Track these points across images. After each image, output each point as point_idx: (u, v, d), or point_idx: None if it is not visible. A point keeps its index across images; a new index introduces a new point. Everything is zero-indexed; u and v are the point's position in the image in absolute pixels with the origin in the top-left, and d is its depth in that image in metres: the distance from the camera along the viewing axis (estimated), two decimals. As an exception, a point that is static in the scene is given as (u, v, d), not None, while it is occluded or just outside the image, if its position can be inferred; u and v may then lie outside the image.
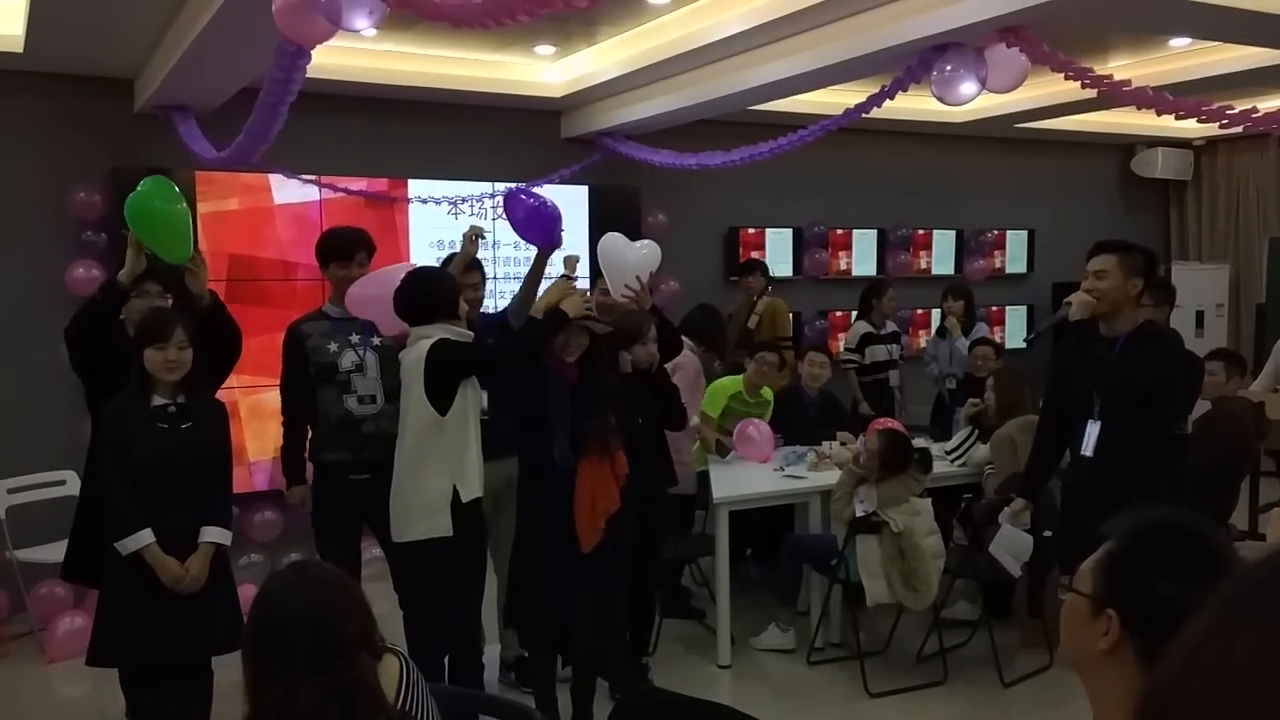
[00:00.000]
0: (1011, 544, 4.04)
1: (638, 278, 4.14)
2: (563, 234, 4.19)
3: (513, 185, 5.98)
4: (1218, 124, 3.82)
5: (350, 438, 3.71)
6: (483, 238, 4.07)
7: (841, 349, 6.84)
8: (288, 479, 3.89)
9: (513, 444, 3.67)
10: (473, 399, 3.42)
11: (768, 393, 5.56)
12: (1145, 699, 0.55)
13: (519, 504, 3.67)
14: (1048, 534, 4.27)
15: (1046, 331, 3.76)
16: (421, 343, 3.32)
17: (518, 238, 4.49)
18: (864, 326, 6.58)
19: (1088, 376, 3.50)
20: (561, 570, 3.54)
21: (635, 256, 4.28)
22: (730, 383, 5.52)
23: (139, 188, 3.45)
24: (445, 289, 3.48)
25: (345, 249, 3.77)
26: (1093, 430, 3.49)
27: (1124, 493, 3.22)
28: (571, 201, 6.36)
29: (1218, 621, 0.50)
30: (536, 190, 4.63)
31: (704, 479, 4.89)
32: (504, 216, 4.43)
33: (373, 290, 3.68)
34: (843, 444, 5.27)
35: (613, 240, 4.35)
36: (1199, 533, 1.32)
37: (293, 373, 3.78)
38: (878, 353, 6.51)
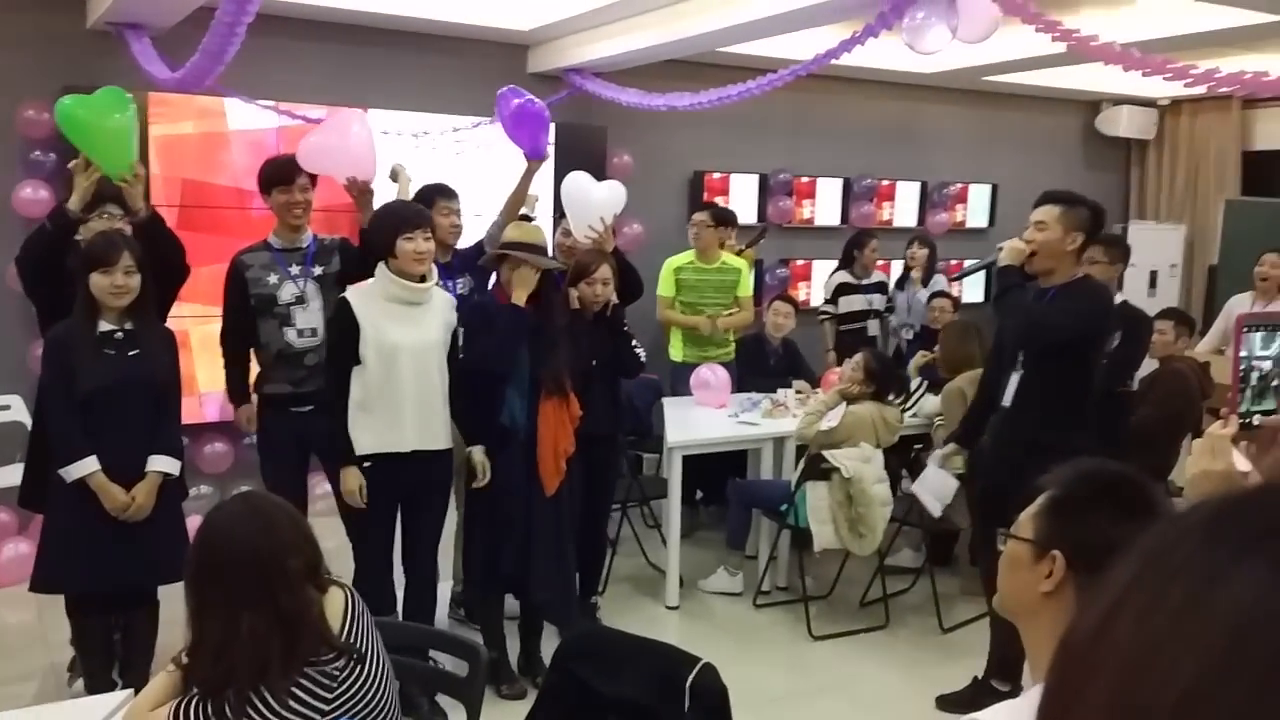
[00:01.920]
0: (936, 486, 4.15)
1: (601, 219, 4.12)
2: (548, 147, 4.15)
3: (477, 119, 5.91)
4: (1182, 83, 3.83)
5: (291, 370, 3.68)
6: (403, 169, 4.13)
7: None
8: (233, 403, 3.88)
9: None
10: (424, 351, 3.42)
11: (731, 260, 5.63)
12: (1064, 645, 0.55)
13: (469, 472, 3.67)
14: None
15: (974, 273, 3.75)
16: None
17: (479, 174, 4.45)
18: (842, 277, 6.60)
19: (1001, 314, 3.49)
20: (516, 521, 3.57)
21: (599, 197, 4.27)
22: (676, 259, 5.57)
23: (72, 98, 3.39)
24: (374, 234, 3.47)
25: (285, 173, 3.70)
26: (1013, 380, 3.49)
27: (1039, 448, 3.26)
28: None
29: (1141, 573, 0.51)
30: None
31: (680, 373, 5.01)
32: (463, 152, 4.40)
33: (320, 140, 3.78)
34: (798, 393, 5.32)
35: (577, 180, 4.32)
36: (1134, 479, 1.40)
37: (234, 303, 3.74)
38: (854, 302, 6.53)
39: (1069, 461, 1.46)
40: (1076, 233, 3.37)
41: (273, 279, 3.68)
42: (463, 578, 4.14)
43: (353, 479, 3.35)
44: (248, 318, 3.69)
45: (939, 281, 6.66)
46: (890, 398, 4.65)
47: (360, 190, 3.81)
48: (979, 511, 3.83)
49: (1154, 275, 8.69)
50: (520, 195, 4.16)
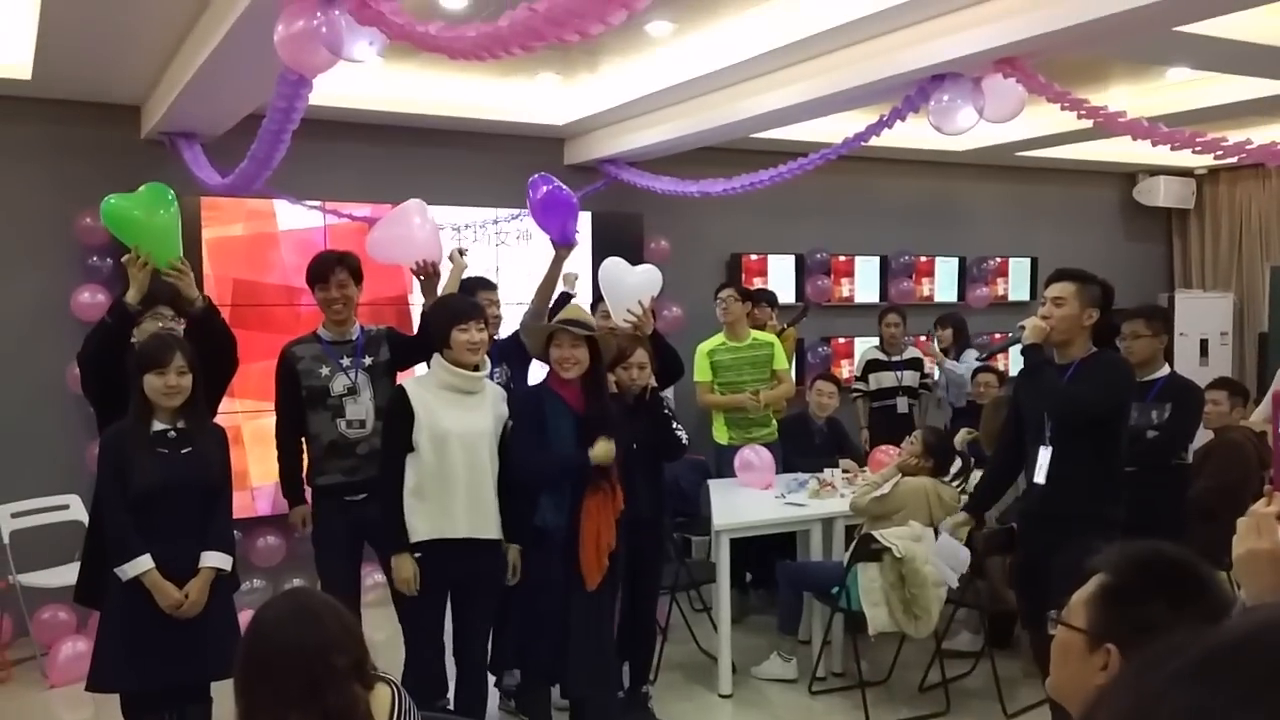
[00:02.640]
0: (949, 555, 4.08)
1: (639, 302, 4.17)
2: (576, 234, 4.23)
3: (516, 211, 6.04)
4: (1213, 156, 3.83)
5: (344, 460, 3.73)
6: (464, 253, 4.23)
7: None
8: (288, 500, 3.91)
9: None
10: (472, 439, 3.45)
11: (761, 335, 5.65)
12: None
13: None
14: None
15: (999, 352, 3.77)
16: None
17: (519, 264, 4.54)
18: (872, 353, 6.60)
19: (1038, 400, 3.51)
20: (556, 617, 3.55)
21: (635, 280, 4.33)
22: (706, 343, 5.60)
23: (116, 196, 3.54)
24: (431, 325, 3.55)
25: (321, 271, 3.80)
26: (1044, 456, 3.50)
27: (1075, 521, 3.26)
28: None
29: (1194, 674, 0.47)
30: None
31: (725, 455, 4.96)
32: (504, 243, 4.50)
33: (387, 231, 4.04)
34: (845, 472, 5.28)
35: (613, 265, 4.39)
36: (1190, 564, 1.33)
37: (286, 395, 3.80)
38: (883, 379, 6.52)
39: (1117, 541, 1.42)
40: (1092, 309, 3.45)
41: (325, 371, 3.76)
42: (513, 668, 4.10)
43: (407, 566, 3.37)
44: (298, 408, 3.76)
45: (969, 356, 6.60)
46: (946, 478, 4.61)
47: (429, 274, 3.96)
48: (1019, 587, 3.78)
49: (1204, 344, 8.58)
50: (550, 282, 4.23)
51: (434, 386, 3.44)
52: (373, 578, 4.03)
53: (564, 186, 4.23)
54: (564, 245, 4.18)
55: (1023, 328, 3.51)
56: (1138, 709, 0.46)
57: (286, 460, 3.86)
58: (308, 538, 3.90)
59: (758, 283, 7.02)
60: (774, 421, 5.69)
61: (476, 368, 3.47)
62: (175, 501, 3.13)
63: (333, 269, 3.78)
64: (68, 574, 4.82)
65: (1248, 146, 3.74)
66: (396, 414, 3.40)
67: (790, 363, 5.96)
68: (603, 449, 3.49)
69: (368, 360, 3.81)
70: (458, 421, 3.41)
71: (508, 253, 6.23)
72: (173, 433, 3.17)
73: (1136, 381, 3.78)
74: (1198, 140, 3.77)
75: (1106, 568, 1.38)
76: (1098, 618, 1.33)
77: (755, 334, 5.65)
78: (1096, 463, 3.42)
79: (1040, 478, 3.51)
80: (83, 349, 3.51)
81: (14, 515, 4.91)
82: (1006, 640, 4.98)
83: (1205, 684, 0.44)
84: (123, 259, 3.53)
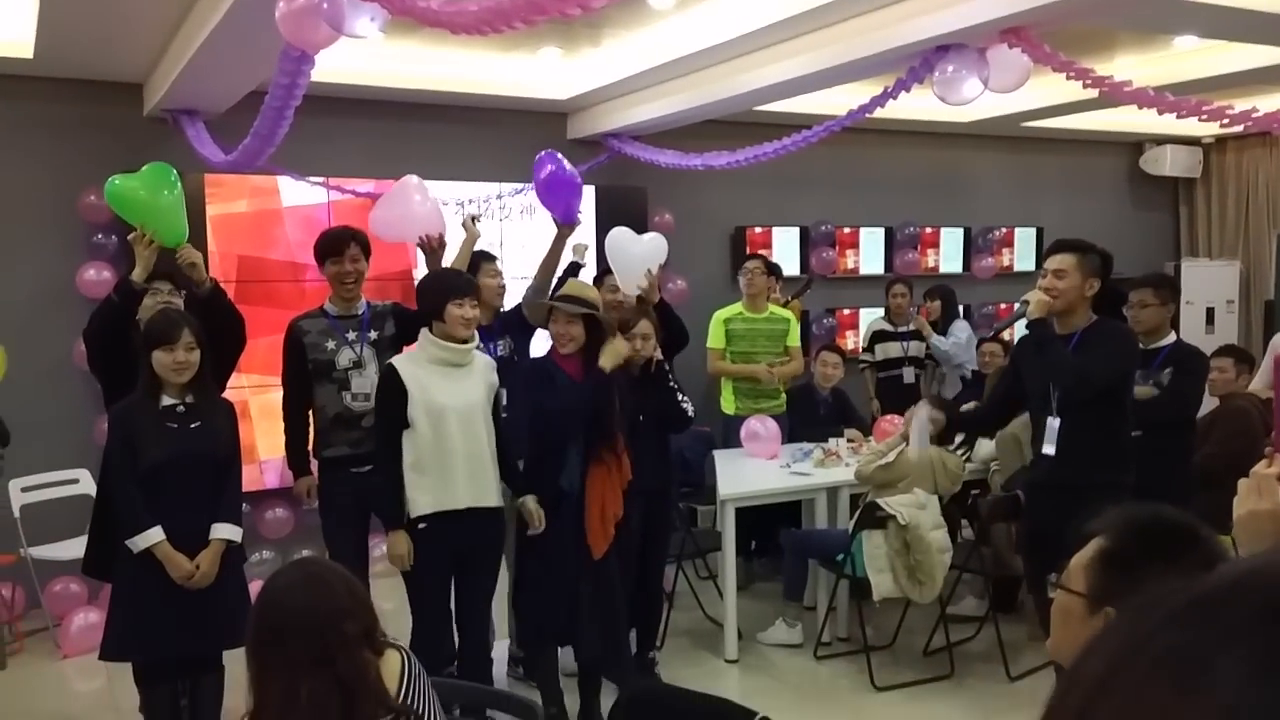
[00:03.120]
0: (920, 430, 4.20)
1: (648, 271, 4.21)
2: (579, 215, 4.24)
3: (519, 186, 6.04)
4: (1219, 124, 3.82)
5: (350, 432, 3.78)
6: (477, 220, 4.27)
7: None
8: (294, 471, 3.97)
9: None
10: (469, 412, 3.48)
11: (779, 310, 5.67)
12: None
13: (518, 526, 3.71)
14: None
15: (1007, 328, 3.81)
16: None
17: (522, 238, 4.56)
18: (879, 324, 6.61)
19: (1045, 373, 3.53)
20: (566, 583, 3.59)
21: (641, 249, 4.38)
22: (723, 311, 5.60)
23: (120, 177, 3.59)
24: (425, 297, 3.56)
25: (336, 245, 3.85)
26: (1053, 426, 3.53)
27: (1085, 490, 3.30)
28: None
29: (1116, 666, 0.46)
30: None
31: (732, 425, 5.10)
32: (508, 218, 4.53)
33: (388, 211, 4.10)
34: (850, 442, 5.31)
35: (619, 234, 4.43)
36: (1189, 527, 1.33)
37: (293, 368, 3.86)
38: (890, 349, 6.54)
39: (1119, 505, 1.43)
40: (1093, 278, 3.47)
41: (330, 345, 3.81)
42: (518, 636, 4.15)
43: (401, 543, 3.41)
44: (305, 381, 3.81)
45: (961, 327, 6.58)
46: (951, 447, 4.63)
47: (433, 248, 4.02)
48: (1028, 554, 3.82)
49: (1210, 312, 8.56)
50: (553, 260, 4.26)
51: (424, 362, 3.47)
52: (380, 549, 4.07)
53: (569, 167, 4.24)
54: (567, 225, 4.20)
55: (1027, 302, 3.52)
56: (1125, 650, 0.46)
57: (293, 432, 3.91)
58: (315, 509, 3.95)
59: (761, 254, 7.01)
60: (783, 394, 5.72)
61: (465, 341, 3.50)
62: (185, 475, 3.17)
63: (347, 243, 3.84)
64: (78, 546, 4.84)
65: (1254, 115, 3.73)
66: (389, 392, 3.43)
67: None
68: (612, 350, 3.54)
69: (373, 335, 3.86)
70: (452, 395, 3.44)
71: (511, 228, 6.24)
72: (181, 407, 3.21)
73: (1140, 348, 3.81)
74: (1204, 108, 3.76)
75: (1105, 531, 1.38)
76: (1096, 581, 1.34)
77: (774, 308, 5.66)
78: (1104, 431, 3.45)
79: (1049, 448, 3.53)
80: (88, 326, 3.55)
81: (24, 489, 4.96)
82: (1010, 605, 5.02)
83: (1190, 626, 0.45)
84: (129, 237, 3.56)
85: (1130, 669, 0.45)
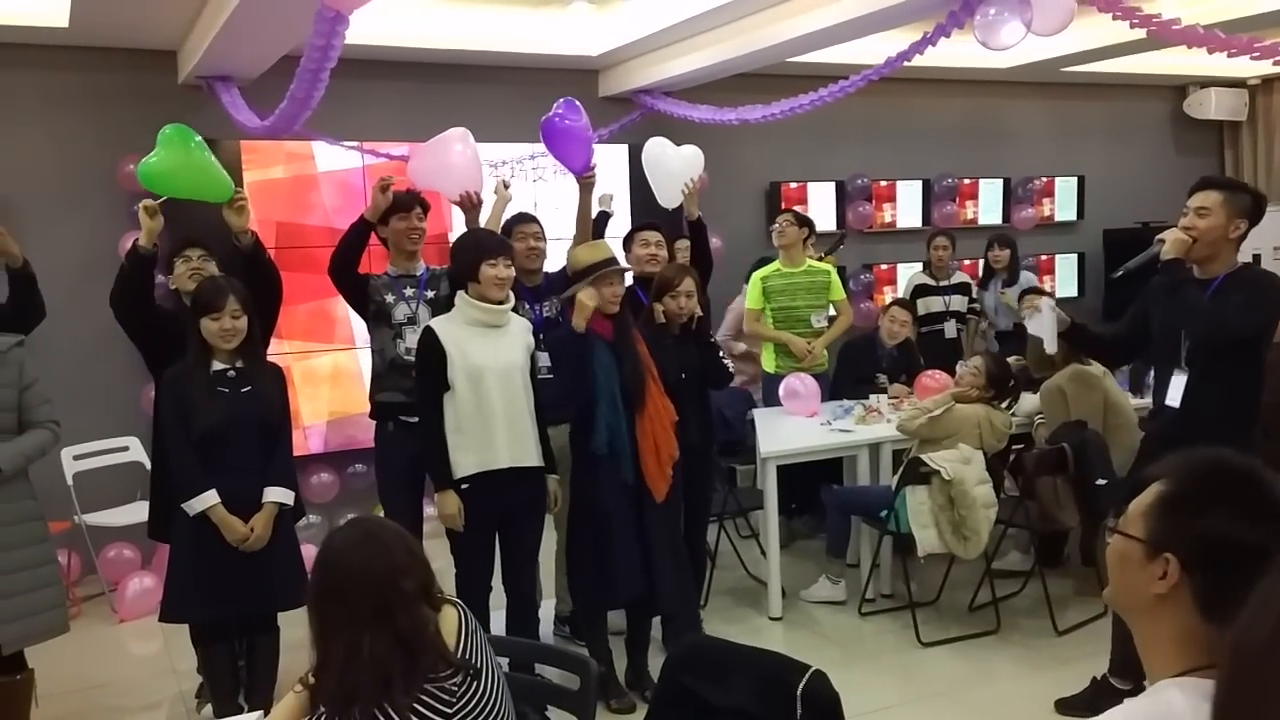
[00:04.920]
0: (1048, 325, 3.73)
1: (687, 183, 4.38)
2: (594, 166, 4.23)
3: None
4: (1272, 61, 3.71)
5: (402, 379, 3.82)
6: (508, 185, 4.28)
7: None
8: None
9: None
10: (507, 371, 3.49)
11: (818, 264, 5.63)
12: (1237, 651, 0.52)
13: (573, 492, 3.72)
14: (1102, 482, 4.24)
15: (1136, 269, 3.37)
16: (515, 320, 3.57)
17: (556, 199, 4.57)
18: (920, 278, 6.55)
19: (1175, 319, 3.29)
20: (629, 545, 3.60)
21: (679, 163, 4.44)
22: (761, 270, 5.60)
23: (149, 157, 3.61)
24: (461, 254, 3.54)
25: (406, 202, 3.96)
26: (1178, 380, 3.30)
27: (1206, 444, 3.13)
28: (611, 160, 6.34)
29: None
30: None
31: (772, 384, 5.12)
32: (542, 178, 4.54)
33: (427, 160, 4.14)
34: (893, 398, 5.26)
35: (655, 146, 4.47)
36: (1254, 472, 1.30)
37: (363, 313, 3.99)
38: (932, 304, 6.47)
39: (1183, 451, 1.39)
40: (1240, 219, 3.19)
41: (390, 298, 3.93)
42: (569, 598, 4.18)
43: (451, 502, 3.42)
44: (365, 294, 3.94)
45: (1027, 278, 6.54)
46: (1002, 405, 4.58)
47: (472, 205, 4.05)
48: (1124, 502, 3.71)
49: (1257, 259, 8.37)
50: (585, 215, 4.25)
51: (462, 323, 3.47)
52: (432, 509, 4.13)
53: (571, 114, 4.17)
54: (583, 176, 4.17)
55: (1162, 241, 3.27)
56: None
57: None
58: (357, 474, 4.01)
59: (796, 209, 6.93)
60: (825, 355, 5.66)
61: (501, 302, 3.50)
62: (238, 438, 3.22)
63: (414, 204, 3.97)
64: (131, 512, 4.98)
65: (1308, 50, 3.61)
66: (429, 354, 3.44)
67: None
68: (580, 306, 3.52)
69: (430, 294, 3.96)
70: (491, 356, 3.45)
71: (545, 188, 6.21)
72: (232, 372, 3.25)
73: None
74: (1256, 45, 3.65)
75: (1165, 477, 1.34)
76: (1156, 527, 1.30)
77: (811, 262, 5.61)
78: (1235, 386, 3.23)
79: (1174, 400, 3.33)
80: (111, 297, 3.65)
81: (76, 458, 5.04)
82: (1057, 559, 4.99)
83: None
84: (135, 207, 3.63)
85: None
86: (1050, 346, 3.79)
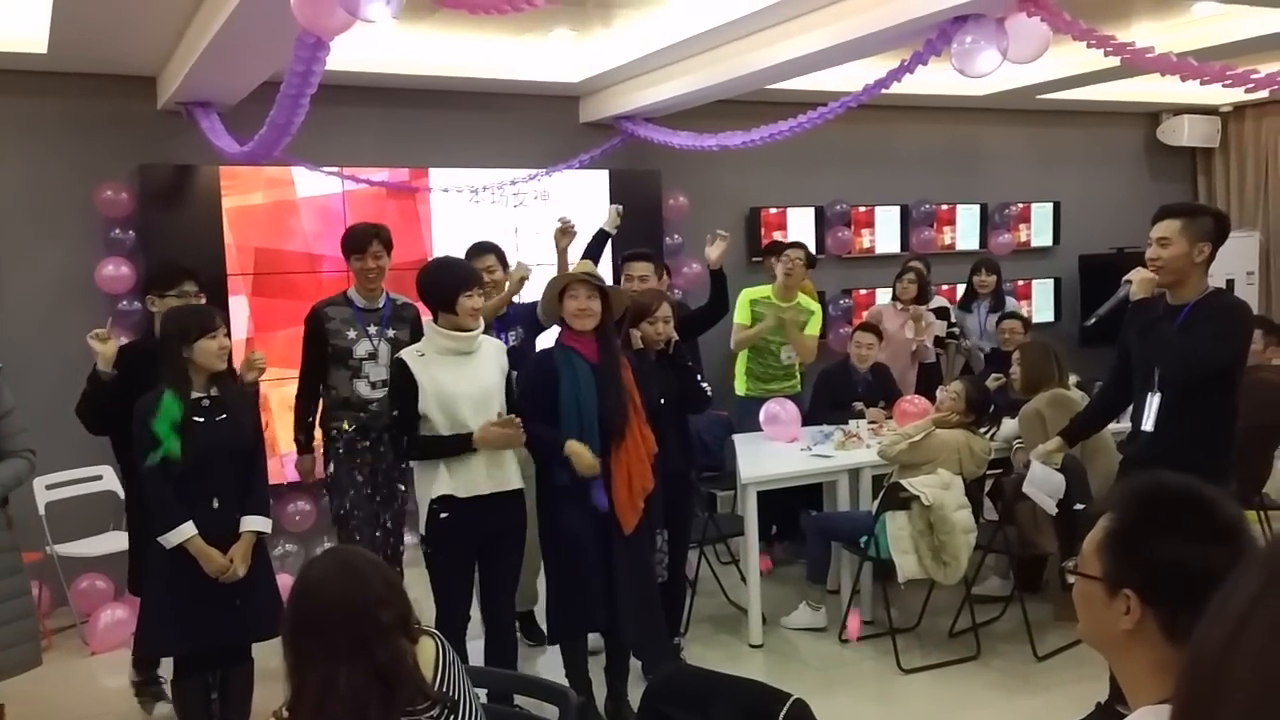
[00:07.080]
0: (1044, 482, 3.97)
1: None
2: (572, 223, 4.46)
3: (533, 171, 6.01)
4: (1243, 89, 3.76)
5: (355, 412, 3.99)
6: (527, 279, 4.30)
7: None
8: (298, 445, 4.18)
9: None
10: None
11: (806, 300, 5.66)
12: (1191, 665, 0.52)
13: (540, 518, 3.69)
14: (1080, 507, 4.25)
15: (1108, 314, 3.43)
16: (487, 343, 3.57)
17: (536, 225, 4.57)
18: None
19: (1151, 357, 3.32)
20: (597, 569, 3.56)
21: None
22: (753, 290, 5.59)
23: None
24: (436, 287, 3.52)
25: (358, 242, 4.05)
26: (1153, 402, 3.33)
27: (1181, 469, 3.15)
28: (592, 186, 6.37)
29: (1270, 582, 0.48)
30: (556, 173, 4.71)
31: (746, 407, 5.11)
32: (523, 204, 4.55)
33: None
34: (871, 423, 5.27)
35: None
36: (1193, 494, 1.28)
37: (313, 350, 4.06)
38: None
39: (1124, 481, 1.36)
40: (1203, 243, 3.22)
41: (351, 334, 4.00)
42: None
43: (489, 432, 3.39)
44: (321, 363, 4.02)
45: (1009, 304, 6.60)
46: (981, 430, 4.60)
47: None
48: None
49: (1230, 284, 8.47)
50: (561, 268, 4.42)
51: (433, 353, 3.47)
52: (408, 537, 4.10)
53: None
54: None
55: (1129, 282, 3.31)
56: (1265, 586, 0.49)
57: (302, 405, 4.13)
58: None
59: (777, 236, 6.98)
60: (797, 374, 5.69)
61: (471, 330, 3.51)
62: (214, 467, 3.18)
63: (370, 241, 4.02)
64: (103, 543, 4.91)
65: (1279, 79, 3.67)
66: (402, 386, 3.43)
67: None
68: (577, 449, 3.47)
69: (391, 332, 4.04)
70: (464, 382, 3.44)
71: (526, 214, 6.21)
72: (206, 400, 3.22)
73: (1252, 321, 3.56)
74: (1228, 73, 3.70)
75: (1110, 509, 1.32)
76: (1109, 563, 1.28)
77: (802, 298, 5.63)
78: (1208, 411, 3.25)
79: (1149, 425, 3.35)
80: (79, 407, 3.79)
81: (49, 487, 4.97)
82: (1036, 584, 4.99)
83: None
84: (88, 336, 3.72)
85: (1269, 606, 0.47)
86: (1049, 509, 4.01)
